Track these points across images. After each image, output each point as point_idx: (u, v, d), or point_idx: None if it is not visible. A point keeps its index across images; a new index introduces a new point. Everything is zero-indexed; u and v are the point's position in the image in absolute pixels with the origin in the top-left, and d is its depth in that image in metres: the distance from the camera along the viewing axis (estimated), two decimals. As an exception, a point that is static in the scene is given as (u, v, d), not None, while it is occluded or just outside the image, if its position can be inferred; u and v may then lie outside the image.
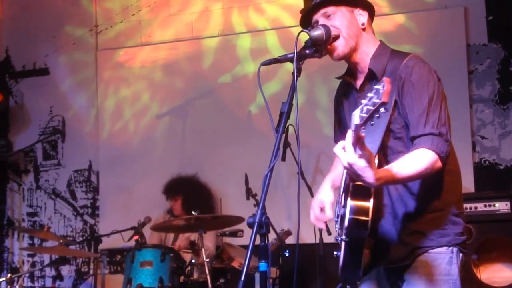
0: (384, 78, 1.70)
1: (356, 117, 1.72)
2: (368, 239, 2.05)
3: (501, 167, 4.53)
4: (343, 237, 2.04)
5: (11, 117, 5.73)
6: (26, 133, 5.66)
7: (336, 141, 2.49)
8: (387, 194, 2.14)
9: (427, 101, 2.03)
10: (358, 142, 1.77)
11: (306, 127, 4.74)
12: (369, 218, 1.95)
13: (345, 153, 1.80)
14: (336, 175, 2.38)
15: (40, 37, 5.68)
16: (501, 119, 4.56)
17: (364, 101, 1.71)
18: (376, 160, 1.96)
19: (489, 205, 3.94)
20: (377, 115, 1.69)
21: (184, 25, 5.37)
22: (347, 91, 2.33)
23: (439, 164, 1.99)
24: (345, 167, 1.85)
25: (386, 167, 1.93)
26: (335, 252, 2.24)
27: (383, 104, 1.67)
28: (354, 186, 1.98)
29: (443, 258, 2.10)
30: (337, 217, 2.25)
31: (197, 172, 4.94)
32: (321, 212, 2.24)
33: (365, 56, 2.21)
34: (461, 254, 2.14)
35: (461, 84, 4.55)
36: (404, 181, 2.03)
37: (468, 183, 4.43)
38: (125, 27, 5.52)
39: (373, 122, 1.72)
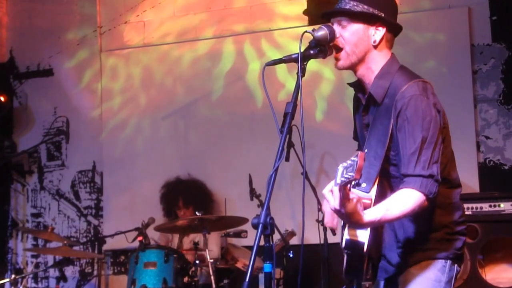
0: (359, 153, 1.80)
1: (338, 176, 1.83)
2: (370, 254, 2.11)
3: (506, 167, 4.53)
4: (344, 250, 2.10)
5: (15, 118, 5.75)
6: (30, 134, 5.67)
7: (354, 138, 2.52)
8: None
9: (420, 139, 2.01)
10: (343, 194, 1.85)
11: (312, 127, 4.76)
12: (366, 241, 2.00)
13: (332, 198, 1.87)
14: None
15: (44, 38, 5.70)
16: (506, 119, 4.55)
17: (345, 164, 1.83)
18: (375, 188, 2.03)
19: (494, 206, 3.93)
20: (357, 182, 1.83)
21: (188, 26, 5.38)
22: (357, 104, 2.34)
23: (426, 204, 2.01)
24: (332, 210, 1.92)
25: (373, 209, 1.97)
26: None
27: (355, 179, 1.80)
28: None
29: (436, 265, 2.15)
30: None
31: (201, 175, 4.97)
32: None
33: (370, 73, 2.18)
34: (455, 266, 2.18)
35: (465, 84, 4.54)
36: (391, 222, 2.07)
37: (472, 184, 4.45)
38: (129, 28, 5.53)
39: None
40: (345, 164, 1.83)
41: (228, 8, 5.29)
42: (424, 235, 2.15)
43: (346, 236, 2.03)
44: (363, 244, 2.01)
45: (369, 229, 2.01)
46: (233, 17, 5.28)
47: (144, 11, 5.46)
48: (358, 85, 2.28)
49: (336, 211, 1.89)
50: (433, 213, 2.13)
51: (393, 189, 2.10)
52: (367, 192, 2.02)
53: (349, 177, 1.79)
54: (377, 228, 2.11)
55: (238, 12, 5.26)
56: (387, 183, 2.13)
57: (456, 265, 2.18)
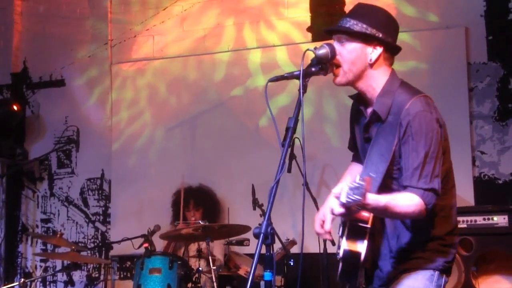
0: (365, 178, 1.85)
1: (343, 195, 1.87)
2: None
3: (500, 182, 4.58)
4: (340, 256, 2.19)
5: (27, 127, 5.81)
6: (42, 142, 5.74)
7: (350, 148, 2.59)
8: (384, 224, 2.27)
9: (423, 154, 2.08)
10: (348, 211, 1.97)
11: (314, 139, 4.85)
12: (363, 252, 2.10)
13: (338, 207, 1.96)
14: None
15: (57, 50, 5.78)
16: (500, 135, 4.60)
17: (351, 185, 1.86)
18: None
19: (488, 219, 3.98)
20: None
21: (196, 40, 5.47)
22: (358, 115, 2.38)
23: (424, 213, 2.09)
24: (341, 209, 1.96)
25: (379, 195, 2.02)
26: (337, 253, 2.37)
27: (363, 204, 1.88)
28: (350, 226, 2.13)
29: (425, 274, 2.23)
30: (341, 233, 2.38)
31: (205, 182, 5.08)
32: (321, 227, 2.37)
33: (371, 89, 2.24)
34: (444, 277, 2.26)
35: (461, 101, 4.61)
36: (390, 213, 2.10)
37: (468, 197, 4.50)
38: (139, 41, 5.61)
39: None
40: (351, 185, 1.85)
41: (237, 23, 5.38)
42: (417, 246, 2.22)
43: (344, 246, 2.11)
44: (360, 255, 2.09)
45: (366, 241, 2.08)
46: (242, 32, 5.36)
47: (153, 26, 5.57)
48: (359, 98, 2.33)
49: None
50: (429, 224, 2.21)
51: None
52: None
53: (356, 199, 1.85)
54: (374, 239, 2.18)
55: (247, 26, 5.35)
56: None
57: (444, 275, 2.26)
